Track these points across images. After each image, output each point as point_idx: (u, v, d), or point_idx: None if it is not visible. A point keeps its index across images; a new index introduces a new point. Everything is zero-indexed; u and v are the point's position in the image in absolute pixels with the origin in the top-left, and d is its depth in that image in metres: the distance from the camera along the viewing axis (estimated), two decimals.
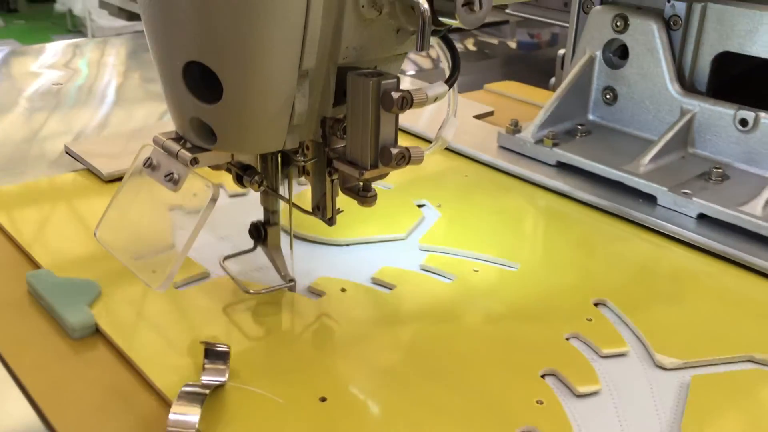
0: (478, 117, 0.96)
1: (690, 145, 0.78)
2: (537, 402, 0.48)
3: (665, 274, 0.64)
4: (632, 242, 0.69)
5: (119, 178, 0.74)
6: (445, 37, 0.52)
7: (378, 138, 0.48)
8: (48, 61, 1.26)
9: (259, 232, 0.59)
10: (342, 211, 0.57)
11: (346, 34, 0.47)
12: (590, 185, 0.76)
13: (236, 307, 0.56)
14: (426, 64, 1.47)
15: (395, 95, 0.46)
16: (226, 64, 0.46)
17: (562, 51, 0.94)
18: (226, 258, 0.60)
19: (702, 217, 0.69)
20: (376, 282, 0.60)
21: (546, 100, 1.01)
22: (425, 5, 0.45)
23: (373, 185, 0.53)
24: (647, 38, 0.79)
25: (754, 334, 0.55)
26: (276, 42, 0.45)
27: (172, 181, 0.50)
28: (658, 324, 0.56)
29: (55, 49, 1.35)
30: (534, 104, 1.04)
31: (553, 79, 0.99)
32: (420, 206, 0.73)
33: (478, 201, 0.75)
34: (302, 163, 0.54)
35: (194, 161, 0.49)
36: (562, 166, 0.80)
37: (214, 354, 0.48)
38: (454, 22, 0.46)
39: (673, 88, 0.79)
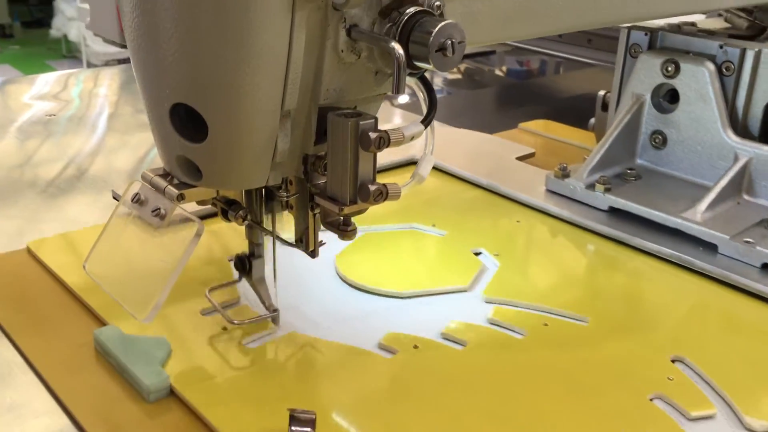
0: (521, 159, 0.95)
1: (745, 191, 0.78)
2: None
3: (736, 326, 0.63)
4: (697, 293, 0.68)
5: None
6: (423, 78, 0.53)
7: (357, 175, 0.49)
8: (41, 91, 1.27)
9: (244, 264, 0.60)
10: (325, 243, 0.58)
11: (327, 76, 0.49)
12: (644, 232, 0.75)
13: (316, 363, 0.55)
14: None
15: (373, 135, 0.48)
16: (211, 106, 0.48)
17: (602, 92, 0.94)
18: (211, 290, 0.61)
19: (766, 267, 0.68)
20: (447, 338, 0.59)
21: (583, 139, 1.01)
22: (400, 51, 0.46)
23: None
24: (699, 84, 0.79)
25: None
26: (259, 84, 0.47)
27: (159, 216, 0.52)
28: (740, 382, 0.55)
29: (48, 79, 1.37)
30: (572, 144, 1.03)
31: (592, 120, 0.98)
32: (477, 254, 0.72)
33: (533, 248, 0.75)
34: (285, 198, 0.55)
35: (180, 197, 0.52)
36: (614, 212, 0.79)
37: (299, 421, 0.47)
38: (428, 67, 0.48)
39: (725, 134, 0.78)
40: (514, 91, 1.70)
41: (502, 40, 0.65)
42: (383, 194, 0.50)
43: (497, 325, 0.61)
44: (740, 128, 0.79)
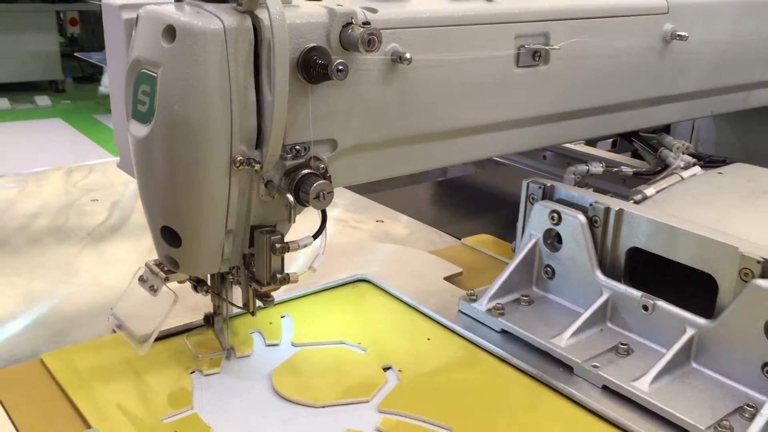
0: (448, 278, 1.15)
1: (608, 319, 0.97)
2: None
3: None
4: (551, 410, 0.86)
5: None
6: None
7: (270, 268, 0.82)
8: (86, 178, 1.57)
9: (209, 320, 0.94)
10: (262, 307, 0.90)
11: (253, 209, 0.81)
12: (526, 353, 0.95)
13: None
14: None
15: (278, 245, 0.81)
16: (183, 228, 0.79)
17: (520, 222, 1.13)
18: (188, 335, 0.95)
19: (605, 388, 0.87)
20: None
21: (511, 256, 1.21)
22: (291, 200, 0.79)
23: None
24: (575, 232, 0.99)
25: None
26: (211, 216, 0.79)
27: (153, 290, 0.86)
28: None
29: (92, 167, 1.67)
30: (503, 261, 1.23)
31: (514, 243, 1.18)
32: (386, 369, 0.93)
33: (434, 366, 0.94)
34: (233, 279, 0.88)
35: (166, 279, 0.85)
36: (507, 333, 0.99)
37: None
38: (310, 206, 0.79)
39: (594, 273, 0.97)
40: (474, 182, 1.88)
41: (378, 179, 0.94)
42: (287, 280, 0.84)
43: None
44: (608, 268, 0.98)
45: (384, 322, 1.04)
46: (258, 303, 0.90)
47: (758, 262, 0.83)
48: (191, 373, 0.90)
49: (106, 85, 7.27)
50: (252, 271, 0.84)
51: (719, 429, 0.78)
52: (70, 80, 7.95)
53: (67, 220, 1.35)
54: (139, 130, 0.77)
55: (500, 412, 0.86)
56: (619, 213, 0.96)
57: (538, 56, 0.99)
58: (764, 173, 1.12)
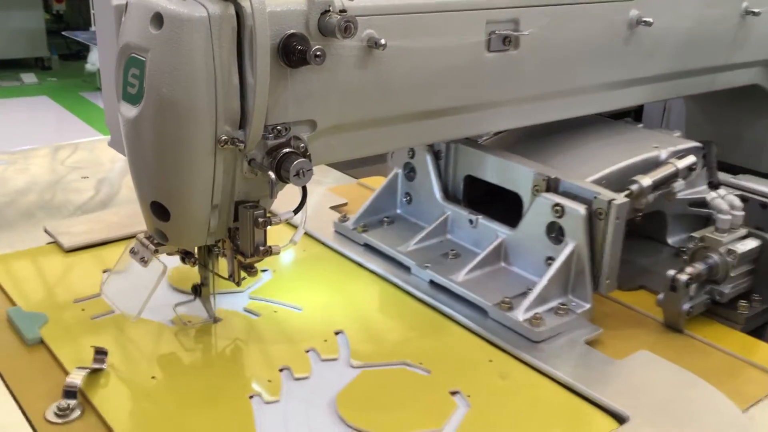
0: (334, 207, 1.38)
1: (447, 233, 1.19)
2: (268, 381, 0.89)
3: (398, 315, 1.05)
4: (389, 298, 1.09)
5: (78, 248, 1.17)
6: None
7: (254, 241, 0.88)
8: (75, 156, 1.70)
9: (197, 290, 1.01)
10: (246, 278, 0.96)
11: (237, 185, 0.85)
12: (381, 260, 1.17)
13: (126, 327, 0.99)
14: None
15: (261, 219, 0.87)
16: (171, 202, 0.84)
17: (389, 159, 1.36)
18: (177, 304, 1.02)
19: (432, 283, 1.10)
20: (215, 319, 1.03)
21: None
22: (273, 177, 0.82)
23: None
24: (424, 164, 1.21)
25: (414, 350, 0.96)
26: (198, 191, 0.83)
27: (143, 261, 0.91)
28: (369, 345, 0.97)
29: (78, 145, 1.80)
30: None
31: None
32: (263, 271, 1.15)
33: (302, 269, 1.17)
34: (218, 251, 0.94)
35: (156, 251, 0.91)
36: (369, 246, 1.21)
37: (99, 351, 0.90)
38: (291, 183, 0.84)
39: (439, 197, 1.20)
40: None
41: (356, 157, 0.98)
42: (269, 251, 0.89)
43: (247, 311, 1.04)
44: (450, 194, 1.21)
45: (270, 240, 1.26)
46: (242, 274, 0.95)
47: (544, 180, 1.06)
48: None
49: (92, 62, 7.37)
50: (237, 243, 0.89)
51: (502, 305, 1.01)
52: (56, 57, 8.01)
53: (57, 197, 1.45)
54: (129, 111, 0.81)
55: (344, 298, 1.09)
56: (457, 147, 1.19)
57: (508, 41, 1.01)
58: (600, 121, 1.34)
